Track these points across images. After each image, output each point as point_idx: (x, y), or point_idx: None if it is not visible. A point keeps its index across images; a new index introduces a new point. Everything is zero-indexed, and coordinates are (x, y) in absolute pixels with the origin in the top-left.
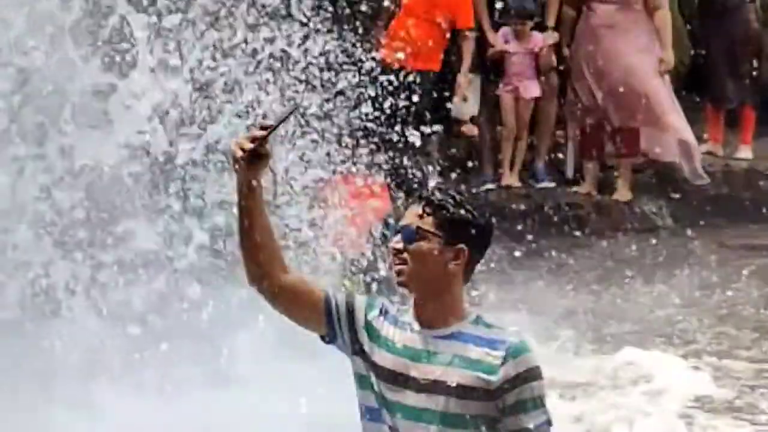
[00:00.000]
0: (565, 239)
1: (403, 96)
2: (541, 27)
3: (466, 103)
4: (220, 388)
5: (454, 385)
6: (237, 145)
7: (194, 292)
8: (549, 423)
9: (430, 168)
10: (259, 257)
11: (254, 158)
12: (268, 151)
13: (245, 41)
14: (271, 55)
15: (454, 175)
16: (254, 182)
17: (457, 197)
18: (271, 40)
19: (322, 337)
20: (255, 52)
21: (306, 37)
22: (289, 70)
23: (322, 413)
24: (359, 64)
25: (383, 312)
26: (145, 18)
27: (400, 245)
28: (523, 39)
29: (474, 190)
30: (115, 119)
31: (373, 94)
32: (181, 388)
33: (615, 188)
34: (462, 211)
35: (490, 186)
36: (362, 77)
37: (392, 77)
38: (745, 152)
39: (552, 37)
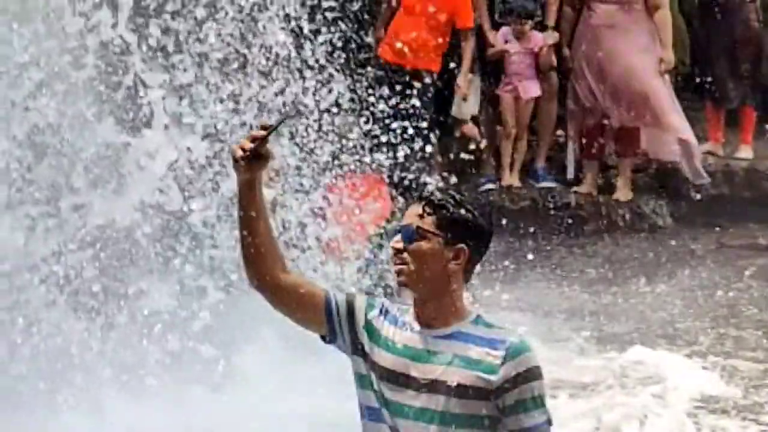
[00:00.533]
0: (566, 239)
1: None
2: (541, 27)
3: (466, 103)
4: (221, 388)
5: (454, 384)
6: (238, 145)
7: (207, 351)
8: (549, 423)
9: (430, 168)
10: (260, 258)
11: (255, 158)
12: (268, 151)
13: (260, 88)
14: (284, 104)
15: (454, 175)
16: (255, 182)
17: (457, 197)
18: (282, 91)
19: (323, 337)
20: (267, 102)
21: (319, 84)
22: (302, 116)
23: (322, 413)
24: (372, 109)
25: (383, 312)
26: (160, 75)
27: (400, 245)
28: (523, 39)
29: (474, 190)
30: (129, 178)
31: (385, 139)
32: (183, 389)
33: (615, 188)
34: (462, 211)
35: (490, 186)
36: (375, 123)
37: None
38: (745, 152)
39: (552, 37)
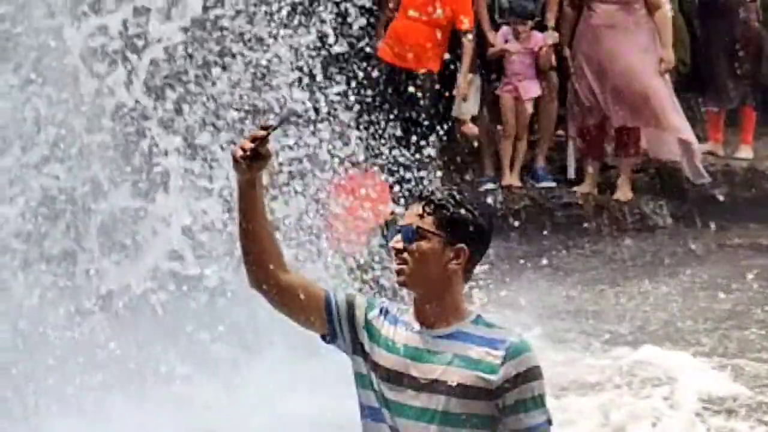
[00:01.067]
0: (566, 239)
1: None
2: (541, 27)
3: (466, 103)
4: (222, 387)
5: (454, 384)
6: (238, 145)
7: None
8: (549, 422)
9: (430, 168)
10: (260, 257)
11: (255, 158)
12: (268, 150)
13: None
14: (296, 159)
15: (454, 175)
16: (255, 182)
17: (458, 197)
18: (297, 145)
19: (323, 337)
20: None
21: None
22: (316, 170)
23: (323, 413)
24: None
25: (383, 311)
26: (176, 139)
27: (400, 245)
28: (523, 39)
29: (474, 190)
30: (144, 243)
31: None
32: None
33: (615, 188)
34: (462, 211)
35: (490, 186)
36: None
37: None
38: (745, 152)
39: (552, 37)
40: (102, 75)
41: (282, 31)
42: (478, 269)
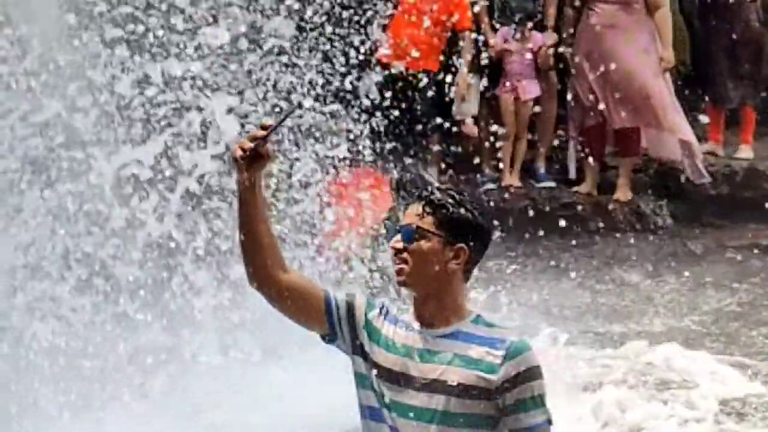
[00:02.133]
0: (565, 239)
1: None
2: (540, 27)
3: (465, 103)
4: (223, 386)
5: (454, 384)
6: (238, 144)
7: None
8: (549, 422)
9: (430, 168)
10: (259, 257)
11: (255, 158)
12: (268, 150)
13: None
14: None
15: (454, 175)
16: (255, 182)
17: (457, 196)
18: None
19: (323, 337)
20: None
21: None
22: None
23: (323, 412)
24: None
25: (383, 311)
26: (207, 275)
27: (400, 245)
28: (523, 39)
29: (474, 190)
30: (176, 378)
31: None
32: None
33: (615, 188)
34: (462, 211)
35: (490, 186)
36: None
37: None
38: (745, 152)
39: (552, 37)
40: (133, 205)
41: (309, 142)
42: (476, 269)
